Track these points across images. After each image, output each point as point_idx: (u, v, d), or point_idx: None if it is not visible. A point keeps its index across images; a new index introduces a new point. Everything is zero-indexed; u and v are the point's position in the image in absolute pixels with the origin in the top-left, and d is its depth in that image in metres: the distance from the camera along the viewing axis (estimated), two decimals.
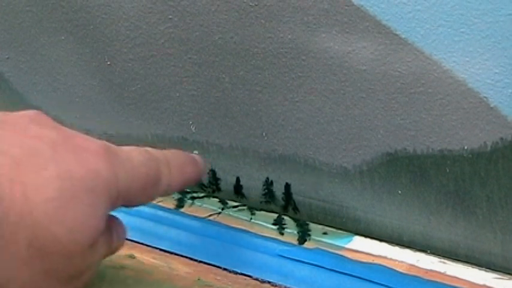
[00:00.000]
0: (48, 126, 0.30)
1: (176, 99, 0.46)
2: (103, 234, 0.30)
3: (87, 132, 0.52)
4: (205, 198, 0.49)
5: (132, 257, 0.45)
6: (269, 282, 0.43)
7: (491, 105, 0.36)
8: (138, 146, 0.35)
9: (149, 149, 0.35)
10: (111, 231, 0.32)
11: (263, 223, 0.47)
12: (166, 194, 0.36)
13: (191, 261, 0.45)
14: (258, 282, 0.43)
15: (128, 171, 0.31)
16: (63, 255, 0.27)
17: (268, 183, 0.47)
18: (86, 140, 0.30)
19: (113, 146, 0.31)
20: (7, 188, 0.26)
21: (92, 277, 0.31)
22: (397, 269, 0.42)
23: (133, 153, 0.32)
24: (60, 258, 0.27)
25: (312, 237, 0.45)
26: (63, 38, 0.48)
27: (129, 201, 0.32)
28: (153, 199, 0.35)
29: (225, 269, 0.44)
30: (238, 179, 0.48)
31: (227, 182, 0.48)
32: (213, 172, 0.48)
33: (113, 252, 0.33)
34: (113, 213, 0.33)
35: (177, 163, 0.36)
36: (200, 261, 0.45)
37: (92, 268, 0.30)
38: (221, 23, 0.41)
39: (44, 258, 0.27)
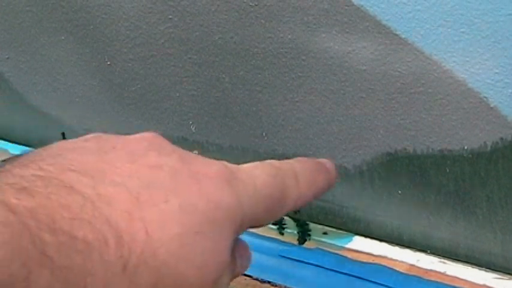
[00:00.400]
0: (167, 152, 0.28)
1: (176, 99, 0.46)
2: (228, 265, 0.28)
3: (87, 132, 0.52)
4: None
5: None
6: (269, 282, 0.43)
7: (491, 105, 0.36)
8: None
9: (273, 161, 0.32)
10: (235, 257, 0.30)
11: None
12: (296, 208, 0.32)
13: None
14: (258, 282, 0.43)
15: (251, 195, 0.28)
16: None
17: None
18: (205, 165, 0.28)
19: (233, 167, 0.29)
20: (127, 226, 0.24)
21: None
22: (397, 269, 0.42)
23: (256, 172, 0.30)
24: None
25: (312, 237, 0.45)
26: (63, 38, 0.48)
27: (254, 224, 0.30)
28: (280, 216, 0.32)
29: None
30: None
31: None
32: None
33: (236, 277, 0.31)
34: None
35: (306, 173, 0.33)
36: None
37: None
38: (221, 23, 0.41)
39: None
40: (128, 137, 0.29)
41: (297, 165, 0.33)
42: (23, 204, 0.22)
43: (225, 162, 0.29)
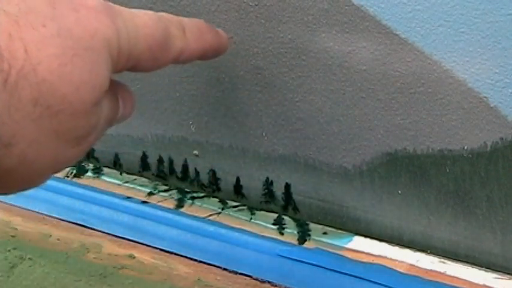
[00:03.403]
0: None
1: (176, 99, 0.46)
2: (107, 96, 0.29)
3: None
4: (205, 198, 0.49)
5: (132, 257, 0.45)
6: (269, 282, 0.43)
7: (491, 105, 0.36)
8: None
9: (161, 13, 0.33)
10: (116, 96, 0.31)
11: (263, 223, 0.47)
12: (181, 60, 0.33)
13: (191, 261, 0.45)
14: (258, 282, 0.43)
15: (130, 30, 0.29)
16: (70, 114, 0.26)
17: (268, 183, 0.47)
18: None
19: (115, 5, 0.30)
20: (7, 44, 0.25)
21: (97, 139, 0.30)
22: (397, 269, 0.42)
23: (139, 14, 0.31)
24: (68, 117, 0.26)
25: (312, 237, 0.45)
26: None
27: (135, 64, 0.31)
28: (164, 64, 0.32)
29: (225, 269, 0.44)
30: (238, 179, 0.48)
31: (227, 182, 0.48)
32: (213, 172, 0.48)
33: (119, 120, 0.32)
34: None
35: (193, 28, 0.34)
36: (200, 261, 0.45)
37: (97, 129, 0.29)
38: (221, 23, 0.41)
39: (51, 117, 0.26)
40: None
41: (185, 19, 0.34)
42: None
43: (108, 1, 0.30)
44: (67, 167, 0.29)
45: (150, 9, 0.43)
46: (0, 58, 0.24)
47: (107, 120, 0.30)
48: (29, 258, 0.46)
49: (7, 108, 0.25)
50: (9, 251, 0.46)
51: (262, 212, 0.48)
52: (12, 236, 0.48)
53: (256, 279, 0.43)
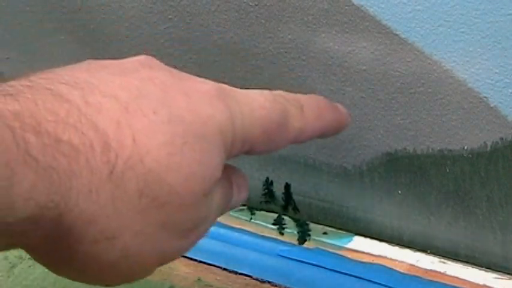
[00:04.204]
0: (159, 68, 0.28)
1: None
2: (220, 184, 0.28)
3: None
4: None
5: None
6: (269, 282, 0.43)
7: (491, 105, 0.36)
8: None
9: (278, 91, 0.31)
10: (230, 181, 0.30)
11: (263, 223, 0.47)
12: (300, 139, 0.31)
13: (191, 261, 0.45)
14: (258, 282, 0.43)
15: (245, 114, 0.28)
16: (178, 206, 0.25)
17: (268, 183, 0.47)
18: (199, 82, 0.27)
19: (229, 87, 0.28)
20: (115, 133, 0.23)
21: (207, 230, 0.28)
22: (397, 269, 0.42)
23: (255, 95, 0.29)
24: (175, 209, 0.25)
25: (312, 237, 0.45)
26: (63, 38, 0.48)
27: (251, 148, 0.29)
28: (282, 145, 0.31)
29: (225, 269, 0.44)
30: None
31: None
32: None
33: (233, 206, 0.30)
34: None
35: (312, 105, 0.31)
36: (200, 261, 0.45)
37: (207, 221, 0.28)
38: (221, 23, 0.41)
39: (158, 209, 0.24)
40: (120, 59, 0.28)
41: (303, 97, 0.31)
42: (8, 108, 0.22)
43: (222, 84, 0.28)
44: (172, 260, 0.28)
45: (150, 9, 0.43)
46: (107, 148, 0.23)
47: (219, 209, 0.29)
48: (29, 258, 0.46)
49: (112, 200, 0.23)
50: (9, 251, 0.46)
51: (262, 212, 0.48)
52: None
53: (256, 279, 0.43)
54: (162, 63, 0.28)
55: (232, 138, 0.27)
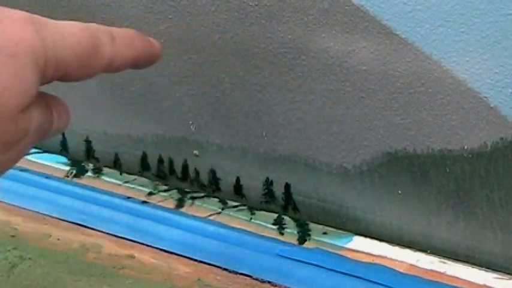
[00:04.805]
0: None
1: (176, 99, 0.46)
2: (38, 106, 0.30)
3: (87, 132, 0.53)
4: (205, 198, 0.49)
5: (132, 257, 0.45)
6: (269, 282, 0.43)
7: (491, 105, 0.36)
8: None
9: (91, 23, 0.33)
10: (50, 108, 0.32)
11: (263, 223, 0.47)
12: (112, 68, 0.34)
13: (191, 261, 0.45)
14: (258, 282, 0.43)
15: (56, 38, 0.30)
16: None
17: (268, 183, 0.47)
18: (11, 11, 0.30)
19: (40, 17, 0.31)
20: None
21: (29, 147, 0.30)
22: (397, 269, 0.42)
23: (66, 24, 0.31)
24: None
25: (312, 237, 0.45)
26: None
27: (65, 73, 0.32)
28: (95, 72, 0.33)
29: (225, 269, 0.44)
30: (238, 179, 0.48)
31: (227, 182, 0.48)
32: (213, 172, 0.48)
33: (54, 132, 0.33)
34: None
35: (123, 36, 0.34)
36: (200, 261, 0.45)
37: (27, 137, 0.30)
38: (221, 23, 0.41)
39: None
40: None
41: (115, 28, 0.34)
42: None
43: (33, 15, 0.31)
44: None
45: (150, 9, 0.43)
46: None
47: (40, 130, 0.31)
48: (29, 258, 0.46)
49: None
50: (9, 251, 0.46)
51: (262, 212, 0.48)
52: (12, 236, 0.48)
53: (256, 279, 0.43)
54: None
55: (45, 60, 0.30)
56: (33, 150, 0.55)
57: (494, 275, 0.41)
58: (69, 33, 0.31)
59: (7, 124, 0.28)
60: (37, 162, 0.54)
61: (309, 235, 0.45)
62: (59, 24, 0.31)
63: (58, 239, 0.47)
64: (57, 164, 0.54)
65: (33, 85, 0.29)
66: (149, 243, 0.46)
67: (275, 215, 0.47)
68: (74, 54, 0.31)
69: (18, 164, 0.30)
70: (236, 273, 0.44)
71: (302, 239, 0.45)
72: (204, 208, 0.49)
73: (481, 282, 0.41)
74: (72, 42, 0.31)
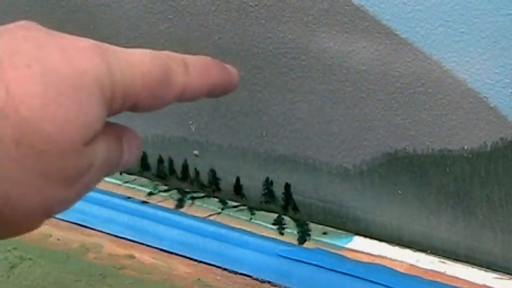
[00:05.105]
0: (36, 28, 0.28)
1: None
2: (105, 137, 0.29)
3: None
4: (205, 198, 0.49)
5: (132, 257, 0.45)
6: (269, 282, 0.43)
7: (491, 105, 0.36)
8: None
9: (163, 51, 0.31)
10: (119, 138, 0.30)
11: (263, 223, 0.47)
12: (185, 97, 0.32)
13: (191, 261, 0.45)
14: (258, 282, 0.43)
15: (124, 68, 0.28)
16: (56, 154, 0.26)
17: (268, 183, 0.47)
18: (77, 39, 0.28)
19: (107, 45, 0.29)
20: None
21: (95, 182, 0.29)
22: (397, 269, 0.42)
23: (135, 52, 0.29)
24: (54, 157, 0.26)
25: (312, 237, 0.45)
26: None
27: (134, 104, 0.30)
28: (167, 102, 0.31)
29: (225, 269, 0.44)
30: (238, 179, 0.48)
31: (227, 182, 0.48)
32: (213, 172, 0.48)
33: (123, 165, 0.31)
34: None
35: (197, 63, 0.32)
36: (200, 261, 0.45)
37: (91, 171, 0.28)
38: (221, 23, 0.41)
39: (36, 157, 0.25)
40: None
41: (188, 56, 0.32)
42: None
43: (100, 42, 0.29)
44: (61, 211, 0.28)
45: (150, 9, 0.43)
46: None
47: (106, 164, 0.29)
48: (29, 258, 0.46)
49: None
50: (9, 251, 0.46)
51: (262, 212, 0.48)
52: None
53: (256, 279, 0.43)
54: (41, 26, 0.29)
55: (112, 91, 0.28)
56: None
57: (494, 275, 0.41)
58: (138, 62, 0.29)
59: (70, 158, 0.26)
60: None
61: (309, 235, 0.45)
62: (127, 53, 0.29)
63: (58, 239, 0.47)
64: None
65: (98, 117, 0.27)
66: (149, 243, 0.46)
67: (275, 215, 0.47)
68: (144, 84, 0.29)
69: None
70: (236, 273, 0.44)
71: (302, 239, 0.45)
72: (204, 208, 0.49)
73: (481, 282, 0.41)
74: (141, 72, 0.29)
